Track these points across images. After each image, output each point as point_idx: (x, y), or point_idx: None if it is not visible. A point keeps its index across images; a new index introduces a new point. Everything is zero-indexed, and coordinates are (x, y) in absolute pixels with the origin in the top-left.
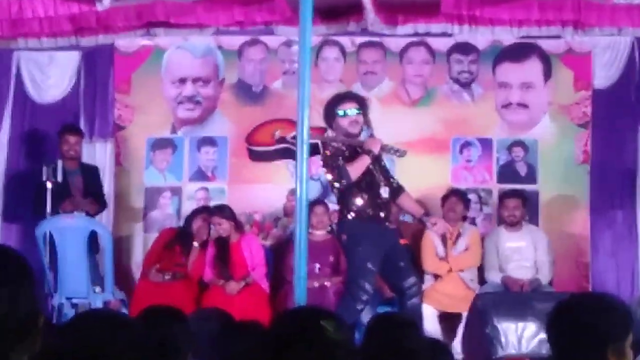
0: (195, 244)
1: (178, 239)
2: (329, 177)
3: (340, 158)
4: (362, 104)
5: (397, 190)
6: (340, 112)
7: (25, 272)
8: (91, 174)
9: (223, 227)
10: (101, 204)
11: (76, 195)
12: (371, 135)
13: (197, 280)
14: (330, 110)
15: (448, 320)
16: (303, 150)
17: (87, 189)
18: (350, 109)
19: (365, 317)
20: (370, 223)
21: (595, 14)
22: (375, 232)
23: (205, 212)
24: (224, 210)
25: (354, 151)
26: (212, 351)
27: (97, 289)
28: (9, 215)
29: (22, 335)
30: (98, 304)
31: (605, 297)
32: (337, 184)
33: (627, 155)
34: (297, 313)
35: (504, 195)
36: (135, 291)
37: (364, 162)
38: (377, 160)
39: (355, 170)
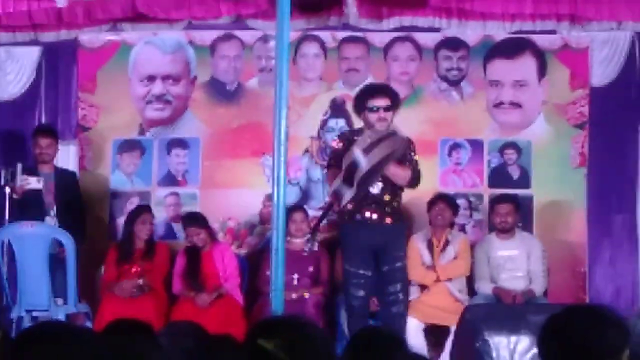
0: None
1: (126, 249)
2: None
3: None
4: (395, 100)
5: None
6: (371, 106)
7: None
8: (66, 180)
9: (201, 237)
10: (76, 216)
11: (47, 201)
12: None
13: (164, 291)
14: (361, 101)
15: (435, 333)
16: (281, 153)
17: (58, 196)
18: (381, 105)
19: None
20: (359, 225)
21: (593, 7)
22: (365, 235)
23: (145, 212)
24: (199, 220)
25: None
26: None
27: (60, 301)
28: None
29: None
30: (60, 317)
31: (601, 309)
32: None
33: (627, 157)
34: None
35: (495, 200)
36: (101, 306)
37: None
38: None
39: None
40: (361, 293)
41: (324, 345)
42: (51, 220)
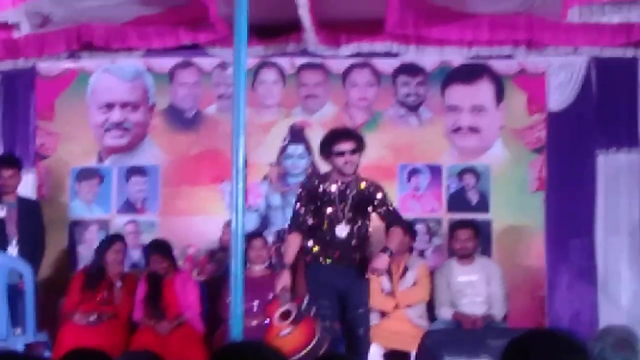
0: (118, 283)
1: (94, 277)
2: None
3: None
4: (360, 142)
5: (388, 217)
6: (337, 151)
7: None
8: (28, 209)
9: (164, 265)
10: (36, 245)
11: (9, 230)
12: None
13: (127, 320)
14: (326, 146)
15: (395, 359)
16: (238, 179)
17: (21, 225)
18: (346, 149)
19: None
20: (324, 267)
21: (549, 33)
22: (329, 276)
23: (117, 241)
24: (164, 249)
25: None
26: None
27: (18, 330)
28: None
29: None
30: (19, 347)
31: (561, 334)
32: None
33: (585, 181)
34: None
35: (454, 226)
36: (59, 334)
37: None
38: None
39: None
40: (327, 322)
41: None
42: (13, 249)
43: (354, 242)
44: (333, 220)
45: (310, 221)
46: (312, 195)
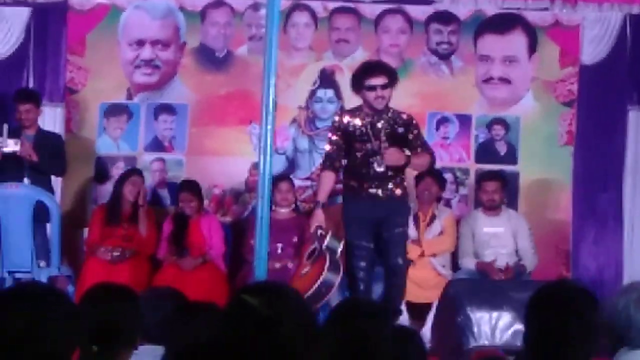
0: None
1: (113, 211)
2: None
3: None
4: (392, 77)
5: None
6: (368, 85)
7: None
8: (48, 142)
9: (192, 205)
10: (58, 169)
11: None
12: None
13: (149, 255)
14: (358, 80)
15: (417, 307)
16: (267, 121)
17: (39, 156)
18: (378, 83)
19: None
20: (360, 200)
21: None
22: (366, 209)
23: (135, 174)
24: (194, 188)
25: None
26: (163, 333)
27: (42, 263)
28: None
29: None
30: (43, 279)
31: (574, 287)
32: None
33: (615, 137)
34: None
35: (482, 178)
36: (83, 269)
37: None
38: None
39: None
40: (363, 264)
41: (307, 311)
42: (27, 182)
43: (390, 174)
44: (367, 155)
45: (343, 158)
46: (343, 132)
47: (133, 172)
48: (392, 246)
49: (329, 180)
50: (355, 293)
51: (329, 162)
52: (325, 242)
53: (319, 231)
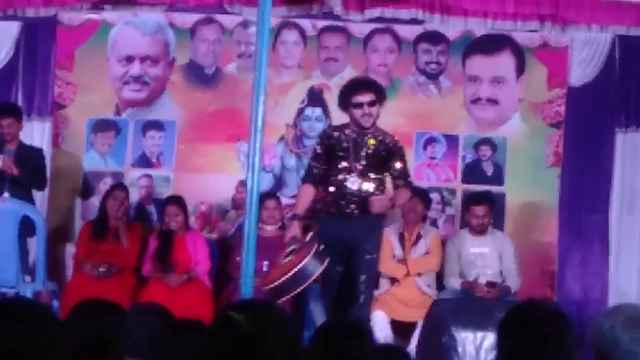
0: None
1: (99, 227)
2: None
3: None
4: (380, 94)
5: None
6: (355, 102)
7: None
8: (28, 154)
9: (178, 219)
10: (39, 183)
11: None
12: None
13: (134, 271)
14: (345, 96)
15: (401, 326)
16: (256, 139)
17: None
18: (365, 100)
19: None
20: (335, 218)
21: (575, 9)
22: (340, 227)
23: (117, 189)
24: (180, 202)
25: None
26: (150, 349)
27: (27, 278)
28: None
29: None
30: (27, 294)
31: (546, 306)
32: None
33: (602, 159)
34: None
35: (470, 201)
36: (69, 284)
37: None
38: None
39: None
40: (336, 279)
41: (292, 329)
42: (7, 195)
43: (366, 194)
44: (345, 172)
45: (323, 172)
46: (326, 147)
47: (115, 187)
48: (357, 271)
49: (307, 192)
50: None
51: (309, 175)
52: (307, 238)
53: (292, 245)
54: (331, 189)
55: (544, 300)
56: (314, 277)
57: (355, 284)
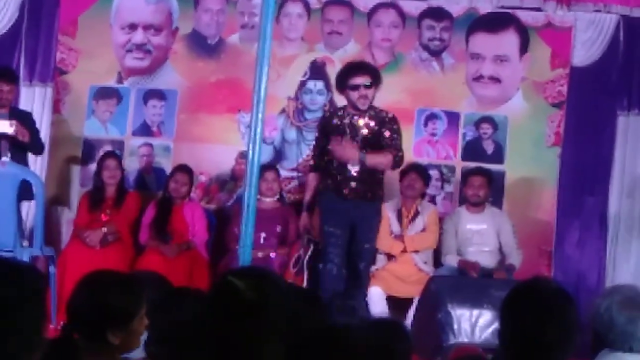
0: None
1: (95, 197)
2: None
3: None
4: (376, 77)
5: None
6: (352, 85)
7: None
8: (23, 119)
9: (184, 189)
10: (41, 147)
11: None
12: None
13: (130, 240)
14: (342, 79)
15: (398, 302)
16: (258, 110)
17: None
18: (361, 83)
19: None
20: (336, 198)
21: None
22: (341, 206)
23: (108, 158)
24: (189, 172)
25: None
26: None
27: (25, 242)
28: None
29: None
30: (25, 258)
31: (551, 285)
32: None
33: (603, 140)
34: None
35: (468, 173)
36: (65, 250)
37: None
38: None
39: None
40: (337, 250)
41: (289, 295)
42: (7, 160)
43: (365, 177)
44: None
45: (324, 156)
46: (326, 130)
47: (106, 156)
48: (357, 258)
49: (313, 181)
50: (327, 277)
51: (314, 164)
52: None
53: (307, 236)
54: (331, 172)
55: (548, 279)
56: None
57: (356, 269)
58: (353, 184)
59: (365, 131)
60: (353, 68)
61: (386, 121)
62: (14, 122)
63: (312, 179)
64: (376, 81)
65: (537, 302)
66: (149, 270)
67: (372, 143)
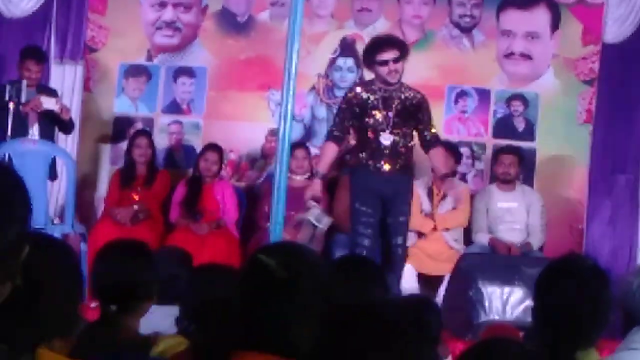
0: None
1: (126, 175)
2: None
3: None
4: (404, 50)
5: (429, 142)
6: (380, 60)
7: (20, 193)
8: (50, 97)
9: (215, 168)
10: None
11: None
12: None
13: (161, 217)
14: (369, 55)
15: (428, 280)
16: (289, 87)
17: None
18: (390, 57)
19: None
20: (369, 174)
21: None
22: (374, 182)
23: (139, 136)
24: (221, 152)
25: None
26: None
27: (56, 220)
28: None
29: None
30: (56, 235)
31: (587, 262)
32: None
33: (635, 118)
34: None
35: (499, 151)
36: (96, 229)
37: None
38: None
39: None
40: (369, 231)
41: (322, 271)
42: (36, 137)
43: (399, 149)
44: (377, 128)
45: (348, 130)
46: (354, 104)
47: (137, 134)
48: (394, 232)
49: (330, 151)
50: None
51: (333, 132)
52: (308, 215)
53: (312, 202)
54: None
55: (583, 256)
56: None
57: (391, 245)
58: (386, 156)
59: (397, 105)
60: (380, 43)
61: (418, 105)
62: (59, 99)
63: (329, 148)
64: (404, 54)
65: (573, 278)
66: (174, 245)
67: (405, 117)
